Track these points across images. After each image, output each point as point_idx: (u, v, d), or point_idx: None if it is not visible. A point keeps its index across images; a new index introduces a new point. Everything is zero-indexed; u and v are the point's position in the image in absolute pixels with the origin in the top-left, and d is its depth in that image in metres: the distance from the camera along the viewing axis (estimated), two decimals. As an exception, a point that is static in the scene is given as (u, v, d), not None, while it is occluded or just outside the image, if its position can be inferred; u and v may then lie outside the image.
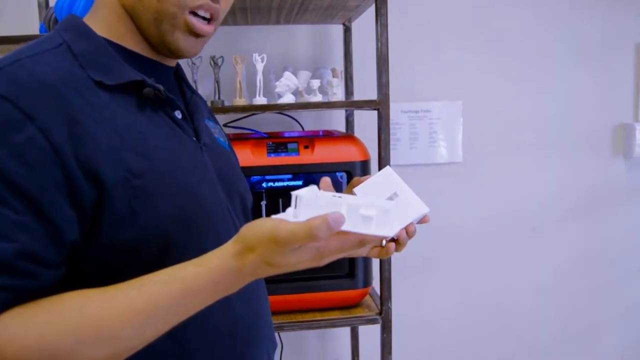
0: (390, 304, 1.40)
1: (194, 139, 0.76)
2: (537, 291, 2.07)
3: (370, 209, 0.58)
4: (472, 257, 2.00)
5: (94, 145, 0.61)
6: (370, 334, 1.90)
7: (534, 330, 2.09)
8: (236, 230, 0.77)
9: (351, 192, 0.79)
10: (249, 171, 1.33)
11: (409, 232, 0.74)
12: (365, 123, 1.74)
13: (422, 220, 0.76)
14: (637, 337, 2.19)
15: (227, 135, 0.97)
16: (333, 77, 1.48)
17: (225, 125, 1.60)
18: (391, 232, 0.59)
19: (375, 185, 0.77)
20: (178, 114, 0.74)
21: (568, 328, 2.12)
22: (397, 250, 0.74)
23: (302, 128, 1.74)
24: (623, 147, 2.06)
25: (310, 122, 1.79)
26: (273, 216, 0.59)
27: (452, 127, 1.94)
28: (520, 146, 1.99)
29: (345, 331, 1.94)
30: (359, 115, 1.79)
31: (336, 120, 1.83)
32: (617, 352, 2.18)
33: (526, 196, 2.01)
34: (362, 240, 0.59)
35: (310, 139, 1.40)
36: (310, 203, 0.59)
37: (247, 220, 0.86)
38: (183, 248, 0.67)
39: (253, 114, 1.67)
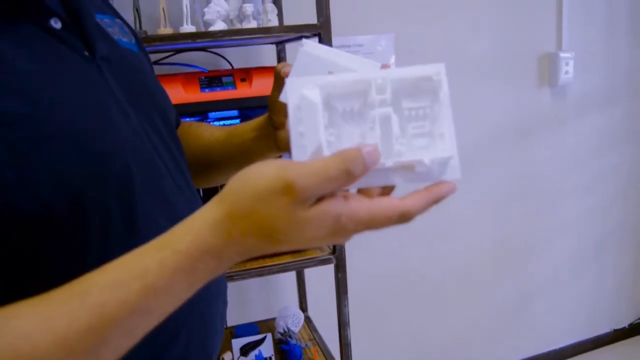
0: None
1: (86, 53, 0.56)
2: (475, 216, 2.11)
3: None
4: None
5: None
6: (315, 282, 1.86)
7: (474, 253, 2.15)
8: (165, 165, 0.62)
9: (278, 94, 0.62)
10: (182, 109, 1.20)
11: None
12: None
13: None
14: (569, 252, 2.33)
15: (134, 31, 0.74)
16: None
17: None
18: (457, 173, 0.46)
19: (302, 74, 0.57)
20: (55, 23, 0.53)
21: (506, 249, 2.20)
22: None
23: (232, 66, 1.61)
24: (548, 76, 2.10)
25: (239, 60, 1.66)
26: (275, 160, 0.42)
27: (384, 62, 1.87)
28: (452, 80, 1.95)
29: (291, 281, 1.87)
30: (290, 52, 1.68)
31: (266, 58, 1.71)
32: (552, 266, 2.31)
33: (460, 127, 1.98)
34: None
35: (247, 71, 1.28)
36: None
37: (176, 142, 0.69)
38: (102, 207, 0.51)
39: (176, 53, 1.52)
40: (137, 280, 0.42)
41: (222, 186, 0.76)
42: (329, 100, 0.45)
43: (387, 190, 0.46)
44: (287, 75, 0.61)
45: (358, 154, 0.40)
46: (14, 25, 0.49)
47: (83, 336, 0.41)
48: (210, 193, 0.78)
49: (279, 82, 0.65)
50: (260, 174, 0.41)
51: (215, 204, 0.43)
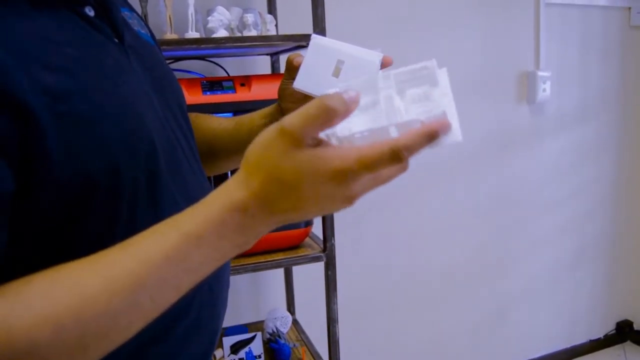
0: (334, 241, 1.40)
1: (116, 40, 0.61)
2: (454, 228, 2.19)
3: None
4: (396, 202, 2.06)
5: None
6: (302, 286, 1.91)
7: (453, 263, 2.21)
8: (182, 150, 0.68)
9: (290, 82, 0.69)
10: (184, 110, 1.27)
11: None
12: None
13: (384, 65, 0.67)
14: (547, 264, 2.40)
15: (148, 27, 0.80)
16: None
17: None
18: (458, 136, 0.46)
19: (314, 64, 0.66)
20: (89, 11, 0.58)
21: (485, 260, 2.27)
22: None
23: (228, 75, 1.69)
24: (527, 93, 2.20)
25: (235, 69, 1.74)
26: None
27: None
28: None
29: (279, 285, 1.93)
30: (284, 63, 1.75)
31: (261, 68, 1.79)
32: (530, 277, 2.38)
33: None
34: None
35: (246, 77, 1.36)
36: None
37: (190, 129, 0.75)
38: (132, 181, 0.55)
39: (175, 61, 1.59)
40: (173, 229, 0.47)
41: (232, 172, 0.81)
42: None
43: None
44: (299, 64, 0.68)
45: (336, 94, 0.44)
46: (55, 10, 0.54)
47: (124, 278, 0.45)
48: (220, 180, 0.85)
49: (291, 71, 0.71)
50: (265, 131, 0.47)
51: (240, 168, 0.48)
